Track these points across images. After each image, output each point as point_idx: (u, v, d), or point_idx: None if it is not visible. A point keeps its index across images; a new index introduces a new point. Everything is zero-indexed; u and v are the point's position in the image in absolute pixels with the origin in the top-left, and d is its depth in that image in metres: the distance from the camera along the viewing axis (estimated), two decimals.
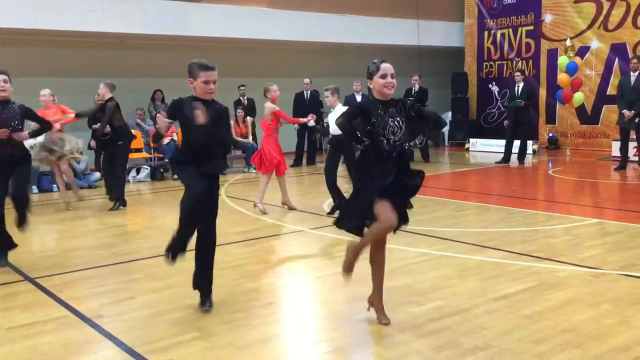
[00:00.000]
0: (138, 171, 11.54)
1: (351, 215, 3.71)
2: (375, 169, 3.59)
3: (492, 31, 16.58)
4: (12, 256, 5.70)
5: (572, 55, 13.14)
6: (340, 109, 7.25)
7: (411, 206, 3.82)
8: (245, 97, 13.29)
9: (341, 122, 3.69)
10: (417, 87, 13.12)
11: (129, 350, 3.50)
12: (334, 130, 7.23)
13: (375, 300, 3.84)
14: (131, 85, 12.35)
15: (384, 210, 3.53)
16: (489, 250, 5.54)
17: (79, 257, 5.79)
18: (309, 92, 13.54)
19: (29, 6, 11.01)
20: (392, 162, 3.63)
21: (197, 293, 4.43)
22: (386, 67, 3.67)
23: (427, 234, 6.22)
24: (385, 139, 3.60)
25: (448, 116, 16.98)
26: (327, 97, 7.56)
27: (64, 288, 4.74)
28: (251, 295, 4.46)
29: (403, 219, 3.70)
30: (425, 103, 13.31)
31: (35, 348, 3.57)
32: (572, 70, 12.88)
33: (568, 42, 13.39)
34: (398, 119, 3.63)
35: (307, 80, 13.48)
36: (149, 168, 11.66)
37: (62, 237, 6.87)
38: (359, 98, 13.13)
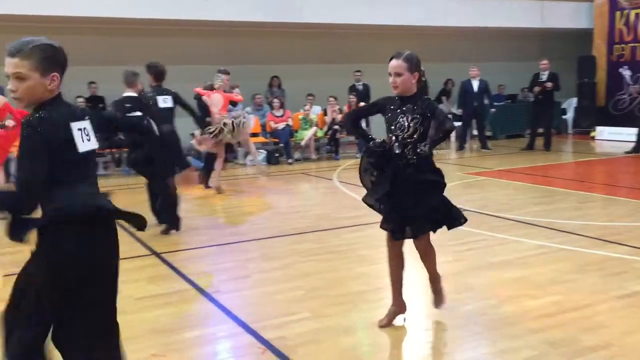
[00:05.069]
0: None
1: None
2: (373, 174, 3.48)
3: (625, 11, 15.34)
4: (142, 233, 6.14)
5: None
6: None
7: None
8: (361, 83, 13.33)
9: (346, 121, 3.67)
10: (546, 73, 12.43)
11: (244, 325, 3.68)
12: None
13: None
14: (248, 72, 12.81)
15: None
16: (614, 245, 5.20)
17: (201, 235, 6.14)
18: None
19: None
20: (404, 166, 3.40)
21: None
22: (390, 65, 3.40)
23: (546, 225, 5.95)
24: (393, 135, 3.41)
25: (573, 102, 16.02)
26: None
27: (187, 263, 5.06)
28: (361, 280, 4.52)
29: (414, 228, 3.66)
30: (555, 89, 12.57)
31: (159, 317, 3.85)
32: None
33: None
34: (409, 116, 3.37)
35: None
36: (265, 152, 12.02)
37: (186, 217, 7.30)
38: (475, 84, 12.70)
